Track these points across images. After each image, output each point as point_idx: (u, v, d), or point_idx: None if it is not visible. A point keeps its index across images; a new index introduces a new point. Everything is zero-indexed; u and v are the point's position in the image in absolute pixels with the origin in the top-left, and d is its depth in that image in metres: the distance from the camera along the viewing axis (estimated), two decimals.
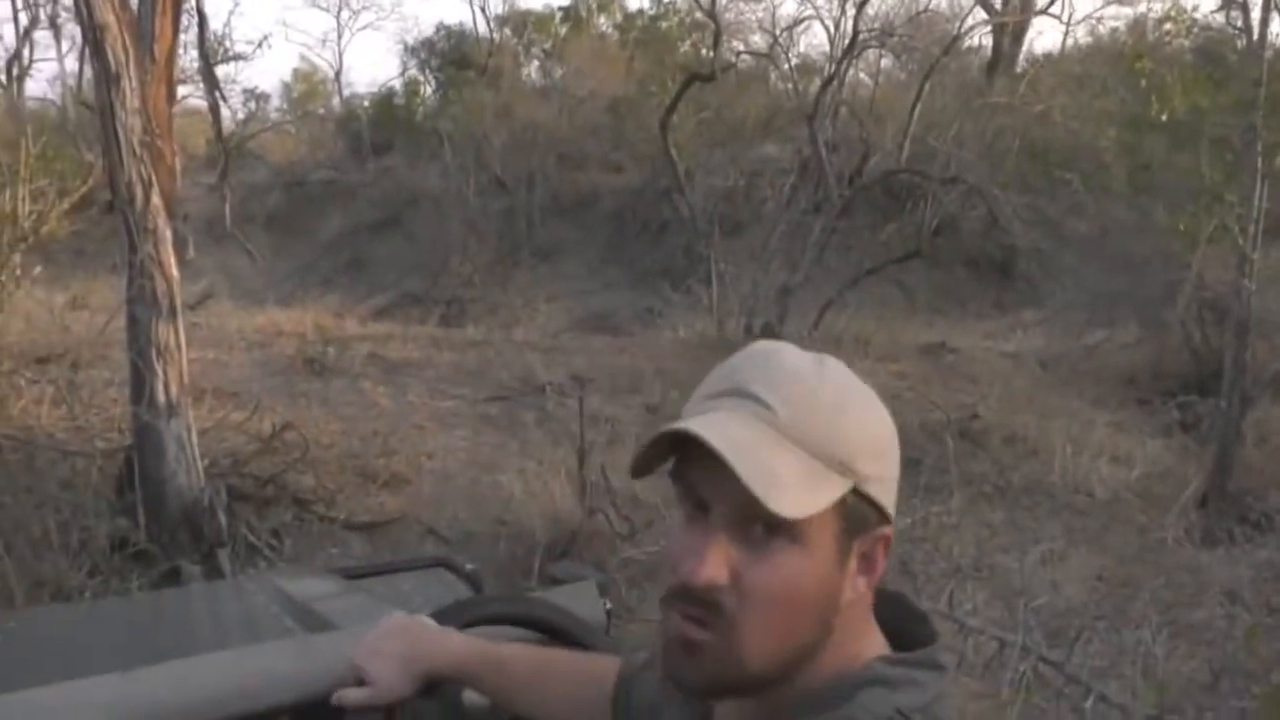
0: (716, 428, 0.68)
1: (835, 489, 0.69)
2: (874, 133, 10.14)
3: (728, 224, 10.69)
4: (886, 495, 0.73)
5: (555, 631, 1.15)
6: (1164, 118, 6.72)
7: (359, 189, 15.07)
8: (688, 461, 0.71)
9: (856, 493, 0.71)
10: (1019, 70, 12.94)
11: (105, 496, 4.31)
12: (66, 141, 11.02)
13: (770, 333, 7.46)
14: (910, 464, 4.88)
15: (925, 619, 0.78)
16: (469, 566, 1.55)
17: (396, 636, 1.01)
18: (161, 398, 4.11)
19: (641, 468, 0.73)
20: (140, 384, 4.11)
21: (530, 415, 6.07)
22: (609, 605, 1.32)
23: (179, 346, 4.20)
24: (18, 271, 5.27)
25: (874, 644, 0.75)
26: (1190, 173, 6.72)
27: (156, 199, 4.09)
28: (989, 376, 7.32)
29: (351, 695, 0.97)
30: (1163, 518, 5.05)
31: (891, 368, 7.16)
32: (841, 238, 9.62)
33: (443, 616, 1.07)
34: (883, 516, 0.73)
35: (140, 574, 3.97)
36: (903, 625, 0.77)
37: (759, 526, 0.69)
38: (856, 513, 0.71)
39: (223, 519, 4.11)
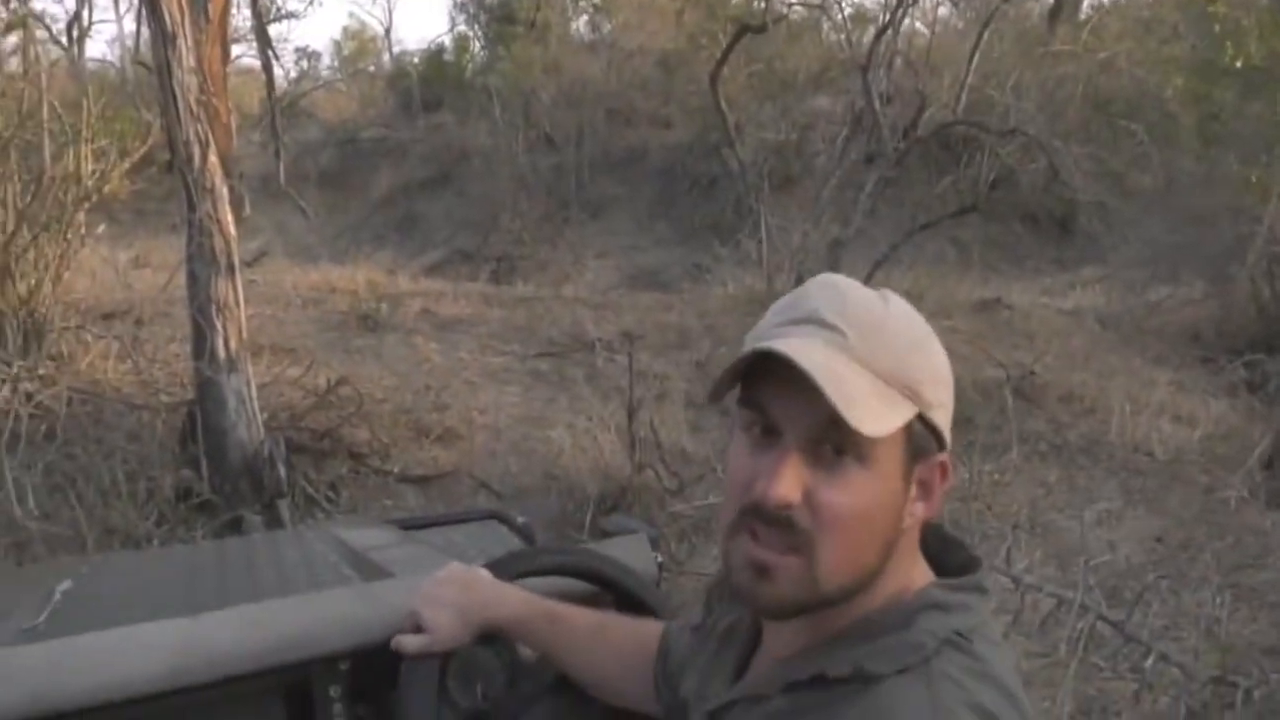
0: (797, 350, 0.70)
1: (904, 412, 0.72)
2: (930, 83, 9.84)
3: (778, 178, 10.52)
4: (946, 423, 0.76)
5: (610, 584, 1.15)
6: (1238, 64, 6.44)
7: (410, 146, 15.11)
8: (761, 384, 0.73)
9: (921, 419, 0.73)
10: (1083, 16, 12.43)
11: (170, 448, 4.44)
12: (126, 102, 11.17)
13: None
14: (964, 421, 4.81)
15: (963, 546, 0.81)
16: (521, 519, 1.56)
17: (455, 586, 1.02)
18: (222, 353, 4.20)
19: (719, 393, 0.76)
20: (201, 339, 4.21)
21: (580, 371, 6.09)
22: (660, 558, 1.33)
23: (237, 303, 4.28)
24: (82, 230, 5.38)
25: (923, 571, 0.78)
26: (1265, 121, 6.45)
27: (213, 158, 4.14)
28: (1046, 333, 7.15)
29: (410, 642, 0.99)
30: (1226, 479, 4.92)
31: (945, 323, 7.01)
32: (895, 191, 9.41)
33: (504, 565, 1.08)
34: (941, 444, 0.76)
35: (204, 523, 4.09)
36: (943, 552, 0.80)
37: (828, 447, 0.71)
38: (920, 438, 0.74)
39: (282, 471, 4.21)
